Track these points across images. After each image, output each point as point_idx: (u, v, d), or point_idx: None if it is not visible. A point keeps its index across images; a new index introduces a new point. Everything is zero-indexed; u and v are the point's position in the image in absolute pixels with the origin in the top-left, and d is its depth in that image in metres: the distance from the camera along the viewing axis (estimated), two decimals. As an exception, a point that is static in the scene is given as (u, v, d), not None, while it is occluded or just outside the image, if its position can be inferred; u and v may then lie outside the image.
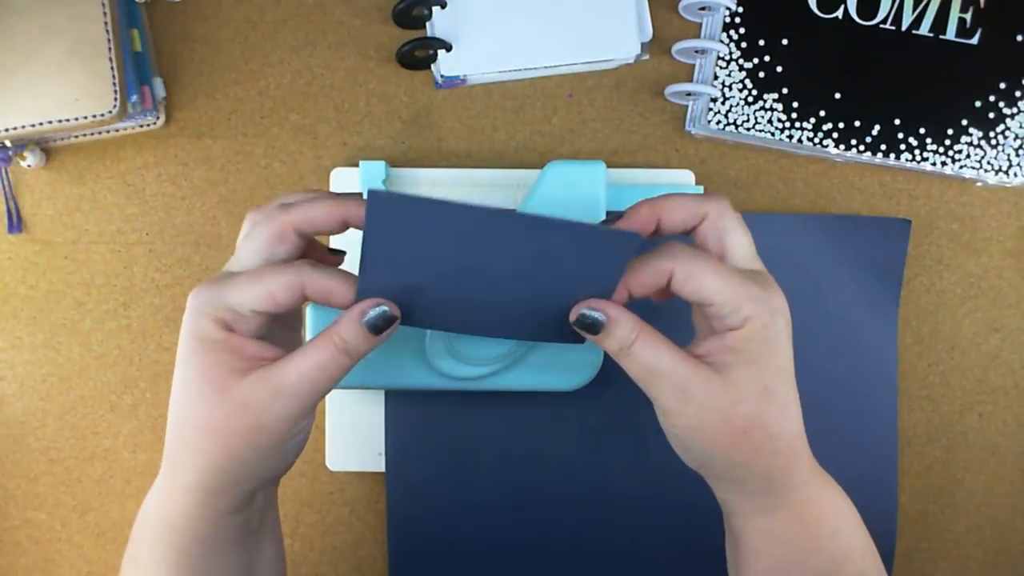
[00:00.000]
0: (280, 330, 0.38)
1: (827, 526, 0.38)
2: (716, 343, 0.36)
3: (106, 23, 0.47)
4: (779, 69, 0.52)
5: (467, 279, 0.36)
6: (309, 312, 0.48)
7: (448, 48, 0.50)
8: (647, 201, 0.38)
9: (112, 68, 0.47)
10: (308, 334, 0.48)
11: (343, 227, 0.37)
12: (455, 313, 0.39)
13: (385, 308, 0.36)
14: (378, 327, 0.36)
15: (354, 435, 0.52)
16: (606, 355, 0.49)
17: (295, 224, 0.36)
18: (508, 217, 0.34)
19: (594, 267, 0.36)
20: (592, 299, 0.37)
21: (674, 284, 0.36)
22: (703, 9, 0.52)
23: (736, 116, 0.52)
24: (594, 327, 0.37)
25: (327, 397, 0.52)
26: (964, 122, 0.53)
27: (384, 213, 0.34)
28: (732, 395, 0.35)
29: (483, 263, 0.36)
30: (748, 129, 0.52)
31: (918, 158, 0.53)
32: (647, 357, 0.36)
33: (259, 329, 0.36)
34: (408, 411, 0.51)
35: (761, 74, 0.52)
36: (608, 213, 0.49)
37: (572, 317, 0.37)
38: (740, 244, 0.38)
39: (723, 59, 0.52)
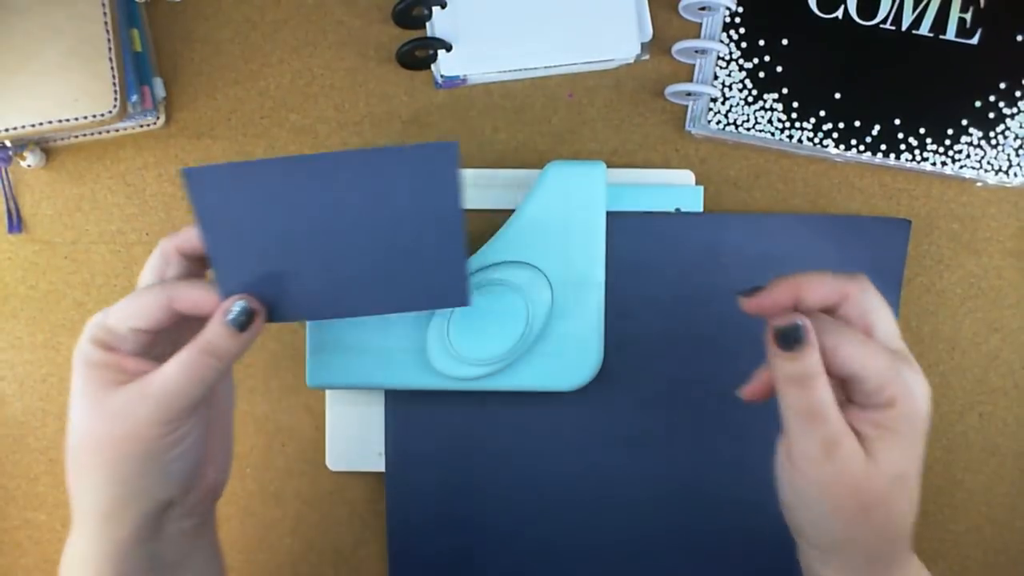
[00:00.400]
0: (171, 348, 0.38)
1: None
2: (861, 414, 0.36)
3: (106, 23, 0.47)
4: (779, 69, 0.52)
5: (311, 246, 0.37)
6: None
7: (448, 48, 0.50)
8: (786, 278, 0.37)
9: (112, 68, 0.47)
10: (309, 335, 0.48)
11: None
12: (323, 294, 0.39)
13: (244, 303, 0.37)
14: (241, 323, 0.37)
15: (354, 435, 0.52)
16: (606, 355, 0.49)
17: (177, 246, 0.39)
18: (312, 160, 0.35)
19: (426, 197, 0.36)
20: (796, 313, 0.36)
21: (824, 356, 0.35)
22: (703, 9, 0.52)
23: (736, 116, 0.52)
24: (797, 342, 0.35)
25: (327, 398, 0.52)
26: (964, 122, 0.53)
27: (204, 189, 0.35)
28: (871, 470, 0.35)
29: (316, 222, 0.36)
30: (748, 129, 0.52)
31: (918, 158, 0.53)
32: (819, 397, 0.35)
33: (141, 347, 0.37)
34: (408, 411, 0.51)
35: (761, 74, 0.52)
36: (608, 213, 0.49)
37: (779, 323, 0.35)
38: (885, 324, 0.37)
39: (723, 59, 0.52)
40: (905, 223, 0.53)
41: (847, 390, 0.36)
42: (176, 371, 0.36)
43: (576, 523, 0.52)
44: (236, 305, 0.37)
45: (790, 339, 0.35)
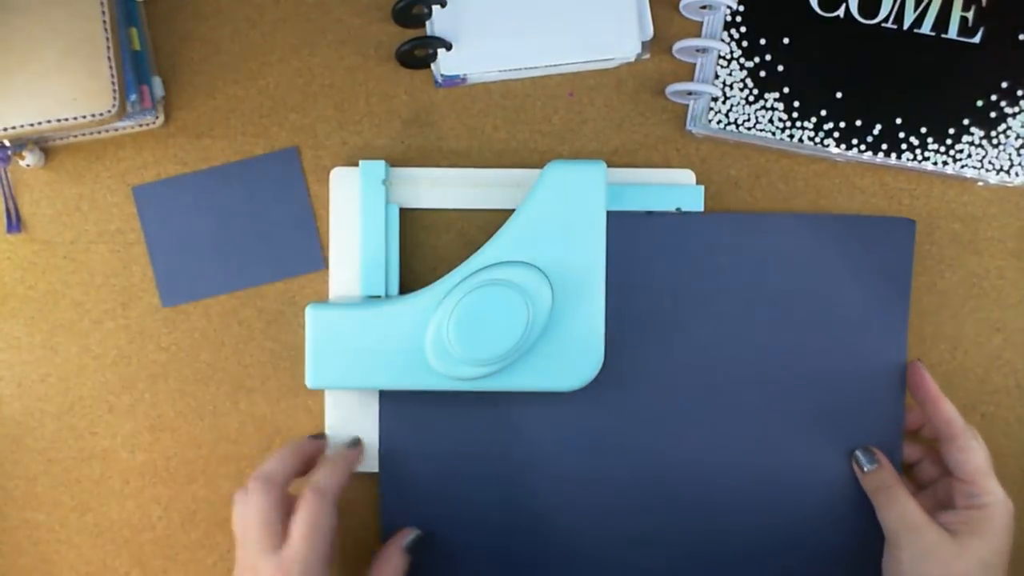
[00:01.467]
0: None
1: None
2: (955, 516, 0.47)
3: (104, 22, 0.46)
4: (780, 68, 0.52)
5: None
6: (309, 312, 0.48)
7: (448, 47, 0.50)
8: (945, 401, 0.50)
9: (111, 67, 0.47)
10: (308, 335, 0.48)
11: (307, 469, 0.49)
12: None
13: (418, 533, 0.50)
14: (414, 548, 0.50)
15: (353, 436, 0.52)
16: (606, 355, 0.49)
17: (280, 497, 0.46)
18: None
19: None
20: (872, 447, 0.51)
21: (953, 452, 0.48)
22: (704, 8, 0.52)
23: (737, 115, 0.52)
24: (861, 465, 0.51)
25: (326, 398, 0.52)
26: (966, 121, 0.53)
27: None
28: (959, 553, 0.46)
29: None
30: (749, 128, 0.52)
31: (919, 157, 0.53)
32: (902, 500, 0.48)
33: None
34: (404, 411, 0.51)
35: (762, 73, 0.52)
36: (609, 213, 0.49)
37: (856, 452, 0.51)
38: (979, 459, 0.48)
39: (724, 58, 0.52)
40: (910, 223, 0.52)
41: (955, 489, 0.48)
42: None
43: (575, 523, 0.52)
44: (413, 533, 0.50)
45: (860, 461, 0.51)
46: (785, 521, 0.51)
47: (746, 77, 0.52)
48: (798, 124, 0.52)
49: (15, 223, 0.52)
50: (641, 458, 0.51)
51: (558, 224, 0.48)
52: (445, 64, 0.51)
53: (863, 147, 0.52)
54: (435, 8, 0.50)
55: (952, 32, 0.52)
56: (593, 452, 0.51)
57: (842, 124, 0.52)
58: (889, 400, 0.52)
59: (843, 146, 0.52)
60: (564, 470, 0.51)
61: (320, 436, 0.51)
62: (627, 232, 0.51)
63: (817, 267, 0.52)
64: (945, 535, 0.46)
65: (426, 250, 0.53)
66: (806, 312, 0.51)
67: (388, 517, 0.51)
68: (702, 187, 0.52)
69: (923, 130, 0.53)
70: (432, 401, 0.51)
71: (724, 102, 0.52)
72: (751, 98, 0.52)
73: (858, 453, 0.50)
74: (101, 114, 0.47)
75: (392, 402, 0.51)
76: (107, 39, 0.47)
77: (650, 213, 0.51)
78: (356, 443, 0.51)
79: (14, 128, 0.47)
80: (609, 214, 0.49)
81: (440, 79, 0.52)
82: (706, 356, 0.51)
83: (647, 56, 0.53)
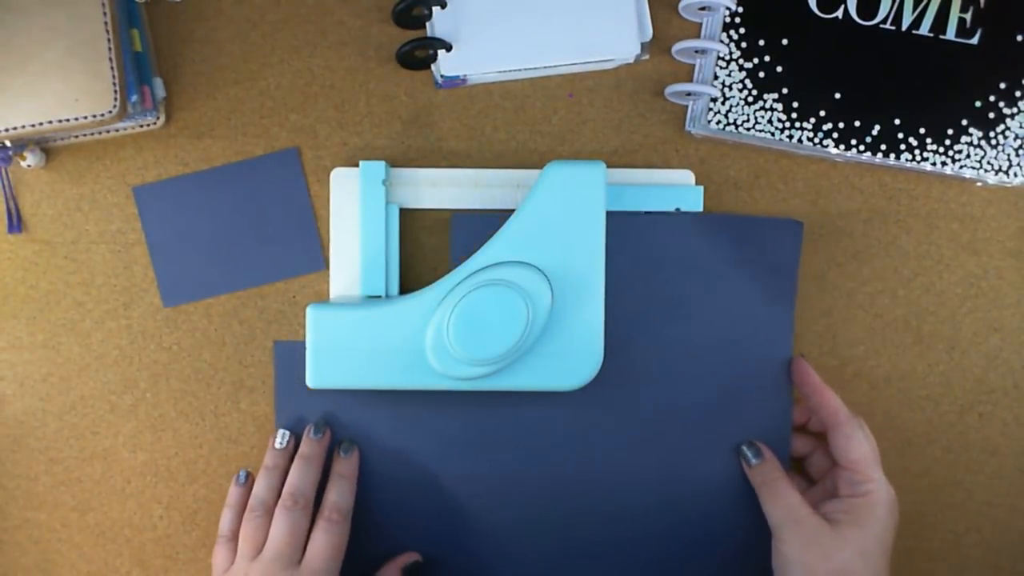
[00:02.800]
0: None
1: None
2: (838, 505, 0.48)
3: (106, 23, 0.47)
4: (779, 69, 0.52)
5: None
6: (309, 313, 0.48)
7: (448, 48, 0.50)
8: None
9: (112, 68, 0.47)
10: (309, 335, 0.48)
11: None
12: None
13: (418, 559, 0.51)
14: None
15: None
16: (606, 355, 0.49)
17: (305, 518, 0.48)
18: None
19: None
20: (756, 442, 0.51)
21: (837, 440, 0.49)
22: (703, 9, 0.52)
23: (736, 116, 0.52)
24: (747, 460, 0.51)
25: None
26: (964, 122, 0.53)
27: None
28: (839, 544, 0.46)
29: None
30: (748, 129, 0.52)
31: (918, 158, 0.53)
32: (785, 494, 0.48)
33: None
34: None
35: (761, 74, 0.52)
36: (608, 213, 0.49)
37: (743, 447, 0.51)
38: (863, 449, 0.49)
39: (723, 59, 0.52)
40: (797, 224, 0.52)
41: (839, 477, 0.49)
42: None
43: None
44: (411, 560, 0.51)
45: (746, 456, 0.51)
46: (685, 517, 0.52)
47: (745, 78, 0.52)
48: (797, 125, 0.52)
49: (16, 223, 0.52)
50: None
51: (558, 224, 0.48)
52: (445, 65, 0.51)
53: (862, 147, 0.53)
54: (435, 9, 0.51)
55: (950, 33, 0.52)
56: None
57: (841, 125, 0.52)
58: (777, 396, 0.52)
59: (842, 147, 0.53)
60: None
61: (322, 425, 0.51)
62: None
63: (707, 267, 0.51)
64: (825, 526, 0.47)
65: (426, 250, 0.53)
66: (698, 311, 0.51)
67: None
68: (701, 187, 0.52)
69: (922, 131, 0.53)
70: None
71: (723, 103, 0.52)
72: (750, 99, 0.52)
73: (744, 448, 0.51)
74: (102, 115, 0.47)
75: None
76: (108, 40, 0.47)
77: (649, 213, 0.51)
78: (351, 449, 0.51)
79: (15, 128, 0.47)
80: (608, 214, 0.49)
81: (440, 80, 0.52)
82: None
83: (646, 57, 0.53)
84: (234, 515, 0.50)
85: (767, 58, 0.52)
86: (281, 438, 0.51)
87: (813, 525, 0.47)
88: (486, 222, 0.49)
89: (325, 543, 0.47)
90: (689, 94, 0.52)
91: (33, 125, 0.47)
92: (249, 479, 0.51)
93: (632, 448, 0.52)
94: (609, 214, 0.49)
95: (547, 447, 0.52)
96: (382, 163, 0.50)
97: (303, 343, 0.51)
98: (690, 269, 0.51)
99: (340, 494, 0.49)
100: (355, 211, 0.51)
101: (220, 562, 0.49)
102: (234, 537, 0.49)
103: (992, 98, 0.53)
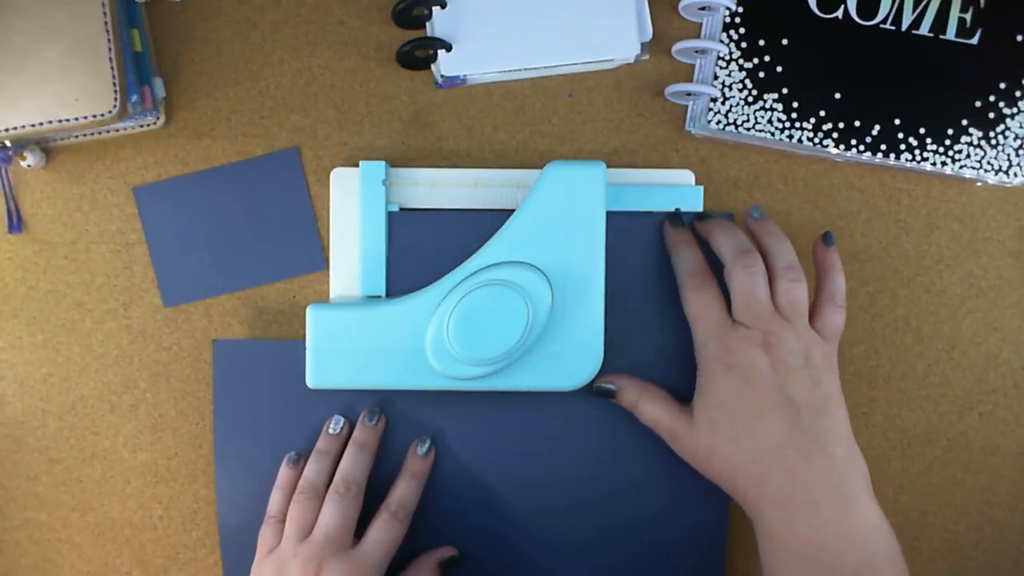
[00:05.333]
0: None
1: (795, 552, 0.43)
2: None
3: (106, 23, 0.47)
4: (779, 69, 0.52)
5: None
6: (310, 313, 0.48)
7: (448, 48, 0.50)
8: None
9: (112, 68, 0.47)
10: (309, 336, 0.48)
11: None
12: None
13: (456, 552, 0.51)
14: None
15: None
16: (606, 355, 0.49)
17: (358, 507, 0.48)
18: None
19: None
20: (607, 374, 0.49)
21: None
22: (703, 9, 0.52)
23: (736, 116, 0.52)
24: (608, 394, 0.50)
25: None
26: (964, 122, 0.53)
27: None
28: (694, 431, 0.46)
29: None
30: (748, 129, 0.52)
31: (918, 158, 0.53)
32: (648, 412, 0.49)
33: None
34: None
35: (761, 74, 0.52)
36: (608, 213, 0.49)
37: (593, 387, 0.50)
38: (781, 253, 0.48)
39: (723, 59, 0.52)
40: (728, 218, 0.51)
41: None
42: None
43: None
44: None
45: (603, 393, 0.50)
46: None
47: (745, 78, 0.52)
48: (797, 125, 0.52)
49: (16, 223, 0.52)
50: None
51: (558, 224, 0.48)
52: (445, 65, 0.51)
53: (862, 148, 0.53)
54: (435, 9, 0.51)
55: (950, 33, 0.53)
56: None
57: (841, 125, 0.52)
58: None
59: (842, 147, 0.53)
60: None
61: (376, 412, 0.51)
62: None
63: (651, 263, 0.52)
64: (684, 419, 0.47)
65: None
66: (644, 306, 0.51)
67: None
68: (701, 187, 0.52)
69: (922, 131, 0.53)
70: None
71: (723, 103, 0.52)
72: (750, 99, 0.52)
73: (599, 386, 0.50)
74: (102, 115, 0.47)
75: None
76: (108, 40, 0.47)
77: (650, 213, 0.51)
78: (429, 450, 0.51)
79: (15, 129, 0.47)
80: (608, 214, 0.49)
81: (440, 80, 0.52)
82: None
83: (646, 57, 0.53)
84: (283, 497, 0.49)
85: (767, 58, 0.52)
86: (335, 424, 0.50)
87: (679, 427, 0.47)
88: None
89: (385, 537, 0.47)
90: (689, 94, 0.52)
91: (33, 125, 0.47)
92: (301, 460, 0.50)
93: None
94: (609, 214, 0.49)
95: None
96: (382, 163, 0.50)
97: (244, 342, 0.51)
98: (629, 267, 0.51)
99: (410, 491, 0.49)
100: (355, 211, 0.51)
101: (267, 542, 0.48)
102: (282, 519, 0.48)
103: (992, 98, 0.53)
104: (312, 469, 0.49)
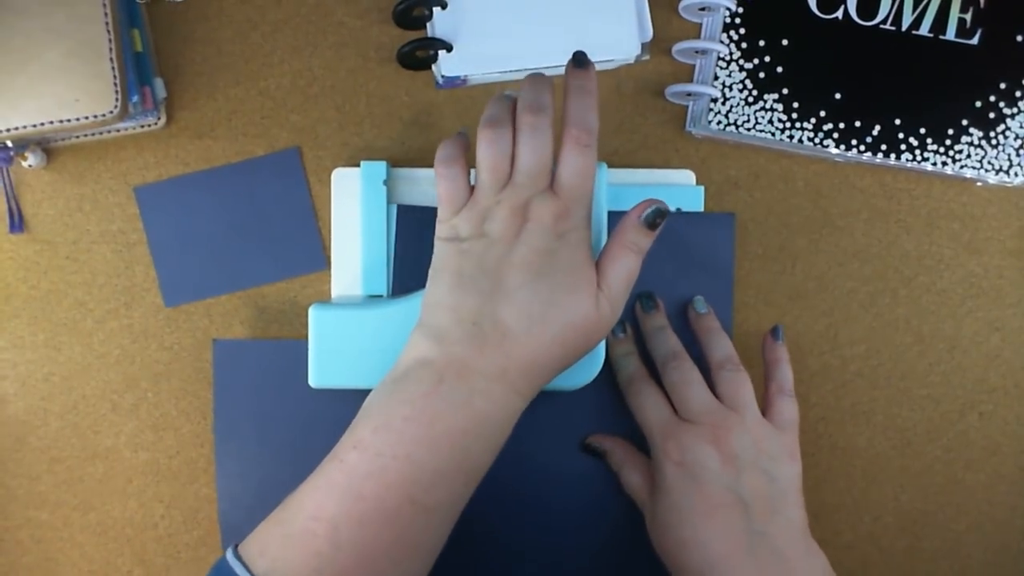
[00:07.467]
0: None
1: None
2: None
3: (107, 23, 0.47)
4: (779, 69, 0.52)
5: None
6: (312, 312, 0.49)
7: (448, 48, 0.51)
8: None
9: (113, 68, 0.47)
10: (311, 335, 0.48)
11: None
12: None
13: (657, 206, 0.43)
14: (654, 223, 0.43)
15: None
16: (606, 355, 0.49)
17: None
18: None
19: None
20: (599, 435, 0.51)
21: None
22: (703, 9, 0.52)
23: (736, 116, 0.52)
24: (597, 454, 0.51)
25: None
26: (964, 122, 0.53)
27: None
28: (653, 526, 0.46)
29: None
30: (748, 129, 0.52)
31: (918, 158, 0.53)
32: (628, 483, 0.49)
33: None
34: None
35: (761, 74, 0.52)
36: (609, 213, 0.49)
37: (583, 444, 0.51)
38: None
39: (723, 59, 0.52)
40: (729, 217, 0.52)
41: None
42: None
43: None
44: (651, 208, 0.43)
45: (594, 452, 0.51)
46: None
47: (745, 78, 0.52)
48: (798, 125, 0.53)
49: (17, 223, 0.52)
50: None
51: (558, 224, 0.48)
52: (446, 65, 0.51)
53: (862, 148, 0.53)
54: (436, 10, 0.51)
55: (950, 33, 0.53)
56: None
57: (841, 125, 0.53)
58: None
59: (842, 147, 0.53)
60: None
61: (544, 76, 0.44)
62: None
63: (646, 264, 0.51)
64: (650, 508, 0.47)
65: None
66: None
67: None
68: (702, 187, 0.52)
69: (922, 131, 0.53)
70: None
71: (724, 103, 0.52)
72: (750, 99, 0.52)
73: (590, 443, 0.51)
74: (103, 115, 0.47)
75: None
76: (109, 40, 0.47)
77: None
78: (587, 62, 0.43)
79: (16, 129, 0.47)
80: (609, 214, 0.49)
81: (441, 80, 0.52)
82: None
83: (646, 57, 0.53)
84: (455, 145, 0.43)
85: (767, 58, 0.52)
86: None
87: (647, 512, 0.47)
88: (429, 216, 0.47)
89: (582, 164, 0.41)
90: (689, 94, 0.53)
91: (34, 125, 0.47)
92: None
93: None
94: (610, 214, 0.49)
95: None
96: (383, 163, 0.50)
97: (245, 341, 0.51)
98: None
99: (586, 109, 0.42)
100: (356, 211, 0.51)
101: (453, 194, 0.42)
102: (464, 166, 0.43)
103: (992, 98, 0.53)
104: (493, 107, 0.43)
